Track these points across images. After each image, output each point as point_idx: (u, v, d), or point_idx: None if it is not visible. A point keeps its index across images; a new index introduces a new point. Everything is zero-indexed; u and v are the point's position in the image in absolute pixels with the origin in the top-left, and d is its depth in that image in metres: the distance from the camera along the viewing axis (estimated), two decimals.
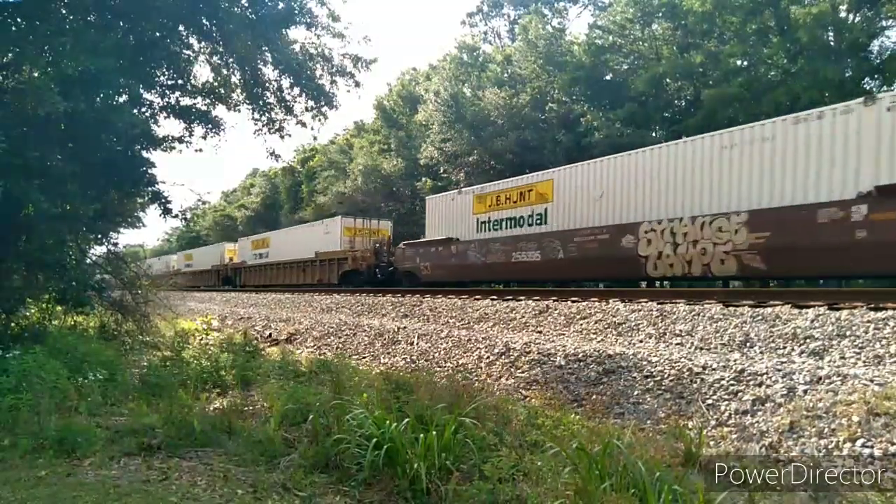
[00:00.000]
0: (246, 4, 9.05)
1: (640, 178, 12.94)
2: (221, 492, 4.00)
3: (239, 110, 10.46)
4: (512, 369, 7.84)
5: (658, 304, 8.90)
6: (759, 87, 21.21)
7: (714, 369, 6.02)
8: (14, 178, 7.03)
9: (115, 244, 10.87)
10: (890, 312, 6.43)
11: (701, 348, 7.19)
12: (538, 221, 15.65)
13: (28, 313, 9.58)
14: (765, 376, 5.57)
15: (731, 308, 7.89)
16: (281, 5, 9.23)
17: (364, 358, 10.64)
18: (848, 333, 6.29)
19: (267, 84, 9.98)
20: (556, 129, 27.27)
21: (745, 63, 22.76)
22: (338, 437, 4.50)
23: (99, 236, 10.21)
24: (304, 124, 10.39)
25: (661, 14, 25.64)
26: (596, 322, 9.00)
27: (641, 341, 7.98)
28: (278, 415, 5.46)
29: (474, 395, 5.62)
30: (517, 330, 9.79)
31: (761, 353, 6.58)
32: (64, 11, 8.30)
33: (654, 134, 25.23)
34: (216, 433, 5.21)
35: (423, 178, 33.44)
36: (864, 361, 5.74)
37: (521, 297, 11.58)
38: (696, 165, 11.75)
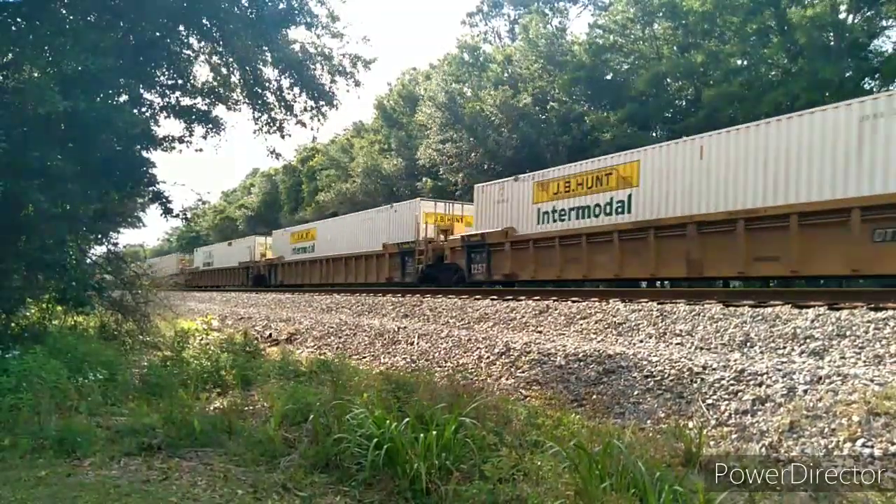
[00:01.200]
0: (246, 4, 9.05)
1: None
2: (221, 492, 4.00)
3: (239, 110, 10.49)
4: (512, 369, 7.84)
5: (658, 304, 8.90)
6: (760, 86, 21.22)
7: (714, 369, 6.02)
8: (14, 178, 7.03)
9: (115, 244, 10.92)
10: (890, 312, 6.43)
11: (701, 348, 7.18)
12: None
13: (28, 313, 9.58)
14: (765, 376, 5.57)
15: (732, 308, 7.88)
16: (281, 5, 9.23)
17: (364, 358, 10.64)
18: (848, 333, 6.28)
19: (267, 84, 9.99)
20: (556, 128, 27.28)
21: (745, 63, 22.76)
22: (338, 436, 4.50)
23: (99, 236, 10.23)
24: (303, 124, 10.40)
25: (661, 14, 25.64)
26: (596, 322, 9.00)
27: (641, 341, 7.97)
28: (278, 415, 5.46)
29: (474, 394, 5.62)
30: (517, 330, 9.79)
31: (761, 352, 6.58)
32: (64, 11, 8.31)
33: (654, 134, 25.25)
34: (216, 433, 5.21)
35: (424, 178, 33.45)
36: (865, 361, 5.74)
37: (522, 297, 11.57)
38: None
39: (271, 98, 10.14)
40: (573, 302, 10.24)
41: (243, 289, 30.60)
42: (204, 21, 9.02)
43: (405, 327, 11.27)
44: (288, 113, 10.25)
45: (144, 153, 9.59)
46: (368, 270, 21.71)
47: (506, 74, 30.61)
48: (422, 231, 18.69)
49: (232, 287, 33.72)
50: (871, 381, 4.98)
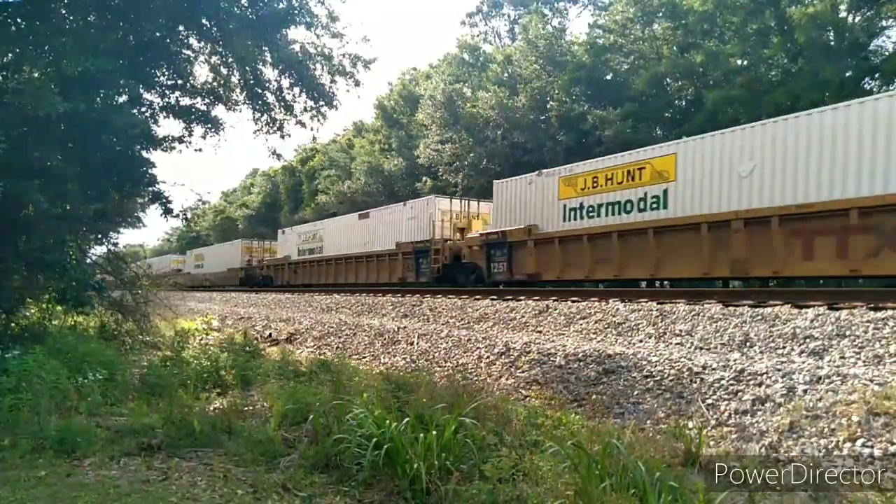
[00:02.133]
0: (246, 4, 9.06)
1: None
2: (221, 492, 4.00)
3: (239, 110, 10.48)
4: (512, 369, 7.84)
5: (658, 303, 8.90)
6: (760, 87, 21.21)
7: (714, 369, 6.02)
8: (14, 178, 7.03)
9: (115, 244, 10.92)
10: (890, 312, 6.43)
11: (701, 348, 7.18)
12: None
13: (28, 313, 9.58)
14: (764, 376, 5.57)
15: (731, 308, 7.88)
16: (281, 5, 9.23)
17: (364, 358, 10.64)
18: (847, 333, 6.29)
19: (267, 84, 9.99)
20: (555, 128, 27.28)
21: (746, 63, 22.75)
22: (338, 436, 4.50)
23: (99, 236, 10.23)
24: (303, 124, 10.41)
25: (661, 14, 25.63)
26: (596, 322, 9.00)
27: (641, 341, 7.97)
28: (278, 415, 5.46)
29: (474, 394, 5.63)
30: (517, 330, 9.79)
31: (761, 352, 6.58)
32: (64, 11, 8.31)
33: (654, 133, 25.25)
34: (216, 433, 5.21)
35: (424, 178, 33.50)
36: (864, 361, 5.74)
37: (521, 297, 11.58)
38: None
39: (271, 98, 10.15)
40: (573, 302, 10.24)
41: (414, 288, 17.66)
42: (203, 21, 9.02)
43: (405, 327, 11.27)
44: (288, 113, 10.26)
45: (144, 153, 9.59)
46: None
47: (506, 75, 30.62)
48: None
49: (380, 286, 20.48)
50: (871, 380, 4.98)
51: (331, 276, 25.14)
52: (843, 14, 20.13)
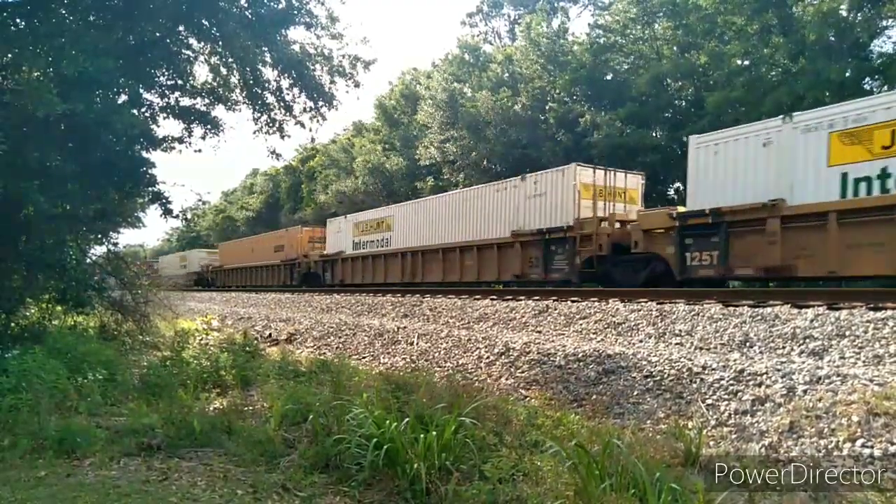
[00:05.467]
0: (245, 4, 9.06)
1: None
2: (221, 492, 4.00)
3: (239, 110, 10.47)
4: (512, 369, 7.84)
5: (657, 304, 8.90)
6: (761, 87, 21.18)
7: (714, 369, 6.02)
8: (14, 178, 7.04)
9: (115, 244, 10.92)
10: (889, 312, 6.43)
11: (700, 348, 7.18)
12: None
13: (28, 313, 9.58)
14: (764, 376, 5.57)
15: (731, 308, 7.88)
16: (280, 5, 9.24)
17: (364, 358, 10.64)
18: (847, 333, 6.29)
19: (266, 84, 9.99)
20: (555, 128, 27.27)
21: (747, 62, 22.71)
22: (338, 437, 4.50)
23: (99, 236, 10.24)
24: (303, 125, 10.41)
25: (661, 13, 25.60)
26: (595, 322, 9.00)
27: (641, 341, 7.97)
28: (278, 415, 5.46)
29: (474, 395, 5.63)
30: (517, 330, 9.79)
31: (761, 352, 6.58)
32: (63, 11, 8.30)
33: (654, 134, 25.22)
34: (216, 433, 5.21)
35: (425, 178, 33.48)
36: (864, 361, 5.74)
37: (521, 297, 11.58)
38: None
39: (271, 98, 10.15)
40: (573, 302, 10.24)
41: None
42: (203, 21, 9.02)
43: (405, 327, 11.27)
44: (287, 113, 10.25)
45: (144, 153, 9.58)
46: None
47: (506, 75, 30.60)
48: None
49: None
50: (871, 381, 4.98)
51: (406, 273, 20.39)
52: (843, 13, 20.09)
